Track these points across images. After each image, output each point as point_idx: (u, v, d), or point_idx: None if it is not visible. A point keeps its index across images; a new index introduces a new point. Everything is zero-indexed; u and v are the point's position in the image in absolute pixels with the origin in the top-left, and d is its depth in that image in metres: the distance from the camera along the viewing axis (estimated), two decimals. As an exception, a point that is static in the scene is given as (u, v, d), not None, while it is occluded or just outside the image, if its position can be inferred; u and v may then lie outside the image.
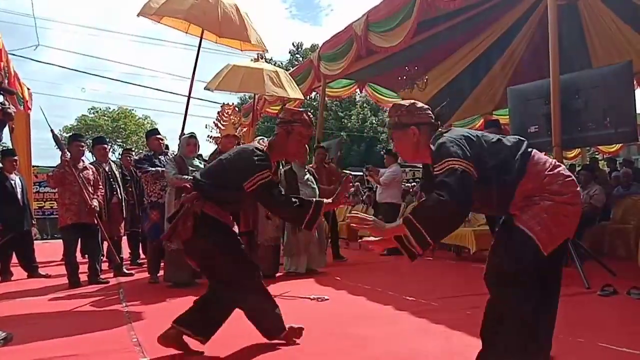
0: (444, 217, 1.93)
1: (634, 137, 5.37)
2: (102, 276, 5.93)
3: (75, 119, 37.07)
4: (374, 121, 29.98)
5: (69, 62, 57.06)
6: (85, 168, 6.00)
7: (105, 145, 6.87)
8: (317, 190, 6.38)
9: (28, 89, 9.38)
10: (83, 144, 6.19)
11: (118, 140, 37.50)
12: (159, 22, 5.60)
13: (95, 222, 5.79)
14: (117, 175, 6.77)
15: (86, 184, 5.79)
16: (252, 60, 6.76)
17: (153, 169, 5.89)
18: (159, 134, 6.50)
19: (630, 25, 7.66)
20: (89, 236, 5.94)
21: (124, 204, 7.06)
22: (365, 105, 29.83)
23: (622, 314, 3.71)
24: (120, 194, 6.62)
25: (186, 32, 6.14)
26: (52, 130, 5.78)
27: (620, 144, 12.08)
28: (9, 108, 4.20)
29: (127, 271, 6.43)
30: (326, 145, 9.43)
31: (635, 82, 7.71)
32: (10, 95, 4.35)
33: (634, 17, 7.39)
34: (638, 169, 10.32)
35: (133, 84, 67.62)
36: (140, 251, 7.97)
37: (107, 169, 6.68)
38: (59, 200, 5.87)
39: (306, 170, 6.38)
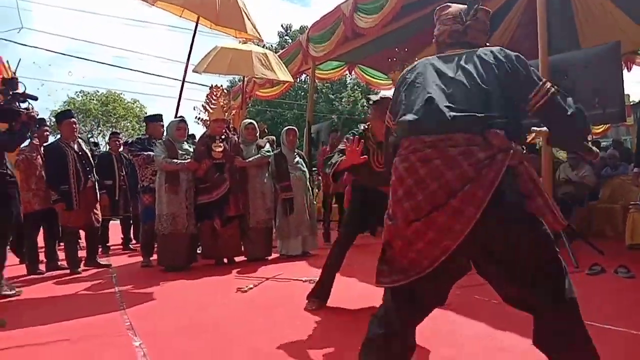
0: None
1: (621, 117, 5.42)
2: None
3: (64, 102, 36.59)
4: (365, 104, 29.89)
5: (56, 45, 56.05)
6: None
7: (74, 119, 5.77)
8: (306, 172, 6.40)
9: (14, 72, 9.22)
10: (76, 121, 5.88)
11: (107, 124, 37.10)
12: (153, 4, 5.53)
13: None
14: (89, 155, 5.80)
15: None
16: (240, 42, 6.70)
17: (145, 152, 5.86)
18: (162, 120, 6.40)
19: (618, 6, 7.67)
20: (52, 222, 5.82)
21: (118, 187, 7.02)
22: (356, 87, 29.75)
23: (608, 292, 3.78)
24: (94, 175, 5.77)
25: (180, 16, 6.09)
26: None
27: (609, 125, 12.15)
28: (32, 112, 4.26)
29: (102, 262, 5.97)
30: (316, 128, 9.46)
31: (623, 63, 7.76)
32: (34, 100, 4.43)
33: (622, -2, 7.39)
34: (627, 149, 10.43)
35: (121, 67, 66.73)
36: (132, 235, 7.98)
37: (76, 147, 5.60)
38: (24, 185, 5.52)
39: (296, 153, 6.38)
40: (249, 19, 5.65)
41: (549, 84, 1.79)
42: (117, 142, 7.68)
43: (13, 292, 4.35)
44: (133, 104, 38.15)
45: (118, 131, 13.00)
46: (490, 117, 1.66)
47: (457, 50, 1.90)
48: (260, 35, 5.98)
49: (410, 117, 1.76)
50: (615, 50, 5.23)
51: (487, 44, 1.98)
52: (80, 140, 5.81)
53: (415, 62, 2.00)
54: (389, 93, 2.71)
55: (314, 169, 9.59)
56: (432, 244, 1.64)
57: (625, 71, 8.74)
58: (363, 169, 3.16)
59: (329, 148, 7.76)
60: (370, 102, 3.28)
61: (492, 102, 1.68)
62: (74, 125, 5.70)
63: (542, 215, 1.68)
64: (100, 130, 37.19)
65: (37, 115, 4.52)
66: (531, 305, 1.72)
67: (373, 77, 10.82)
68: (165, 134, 6.00)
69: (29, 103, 4.38)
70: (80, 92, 36.42)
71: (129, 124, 36.78)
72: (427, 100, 1.73)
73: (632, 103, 17.01)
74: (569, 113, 1.77)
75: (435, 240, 1.63)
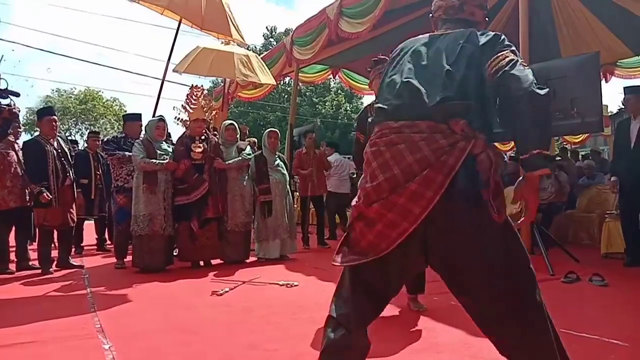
0: None
1: (599, 127, 5.48)
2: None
3: (39, 99, 35.94)
4: (348, 108, 30.01)
5: (35, 41, 55.12)
6: (20, 149, 5.68)
7: (55, 117, 5.70)
8: (286, 175, 6.36)
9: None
10: (56, 118, 5.78)
11: (86, 122, 36.55)
12: (136, 2, 5.45)
13: (29, 205, 5.53)
14: (67, 153, 5.70)
15: (24, 165, 5.54)
16: (222, 43, 6.64)
17: (120, 152, 5.75)
18: (141, 119, 6.27)
19: (598, 17, 7.80)
20: (25, 220, 5.71)
21: (95, 186, 6.92)
22: (339, 91, 29.84)
23: (583, 300, 3.81)
24: (72, 174, 5.67)
25: (162, 14, 6.02)
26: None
27: (587, 134, 12.35)
28: (14, 108, 4.17)
29: (74, 263, 5.83)
30: (299, 131, 9.42)
31: (601, 74, 7.88)
32: (16, 97, 4.35)
33: (602, 9, 7.51)
34: (604, 160, 10.59)
35: (101, 65, 65.84)
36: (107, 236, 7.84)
37: (55, 145, 5.54)
38: None
39: (277, 155, 6.34)
40: (233, 23, 5.61)
41: (511, 55, 1.68)
42: (96, 142, 7.54)
43: None
44: (112, 102, 37.66)
45: (97, 130, 12.79)
46: (454, 105, 1.67)
47: (448, 30, 1.89)
48: (244, 39, 5.94)
49: (380, 104, 1.83)
50: (595, 61, 5.29)
51: (487, 19, 1.98)
52: (59, 138, 5.71)
53: (404, 43, 1.98)
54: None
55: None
56: (390, 227, 1.66)
57: (603, 82, 8.88)
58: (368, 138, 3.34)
59: (304, 150, 7.65)
60: (371, 63, 3.53)
61: (458, 88, 1.68)
62: (54, 123, 5.62)
63: (488, 203, 1.65)
64: (79, 129, 36.63)
65: (19, 111, 4.45)
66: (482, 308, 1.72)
67: (357, 82, 10.84)
68: (144, 133, 5.90)
69: (11, 99, 4.30)
70: (56, 90, 35.79)
71: (107, 122, 36.26)
72: (397, 87, 1.77)
73: (610, 114, 17.35)
74: (522, 87, 1.60)
75: (393, 223, 1.65)
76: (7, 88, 4.31)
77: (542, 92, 1.59)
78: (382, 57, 3.57)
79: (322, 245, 7.50)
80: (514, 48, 1.73)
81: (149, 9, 5.97)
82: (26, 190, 5.49)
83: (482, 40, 1.75)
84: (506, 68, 1.64)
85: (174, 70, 6.54)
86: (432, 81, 1.72)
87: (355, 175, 11.19)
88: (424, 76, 1.75)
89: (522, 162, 1.64)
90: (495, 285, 1.66)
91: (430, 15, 2.06)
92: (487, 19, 1.99)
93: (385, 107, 1.80)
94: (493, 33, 1.78)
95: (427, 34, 1.94)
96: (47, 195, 5.26)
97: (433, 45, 1.84)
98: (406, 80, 1.76)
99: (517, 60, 1.67)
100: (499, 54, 1.68)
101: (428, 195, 1.61)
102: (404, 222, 1.64)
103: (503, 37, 1.76)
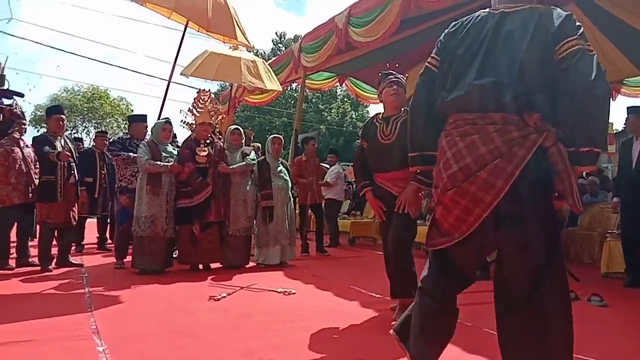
0: None
1: (604, 147, 5.47)
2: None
3: (47, 97, 36.11)
4: (353, 116, 30.03)
5: (44, 38, 55.51)
6: (26, 146, 5.71)
7: (64, 116, 5.80)
8: (289, 182, 6.37)
9: (2, 69, 9.09)
10: (64, 117, 5.88)
11: (93, 120, 36.67)
12: (143, 4, 5.48)
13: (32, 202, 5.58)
14: (73, 152, 5.77)
15: (29, 162, 5.59)
16: (230, 48, 6.67)
17: (125, 153, 5.78)
18: (146, 120, 6.35)
19: (605, 35, 7.79)
20: (29, 217, 5.79)
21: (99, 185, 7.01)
22: (346, 99, 29.86)
23: (581, 321, 3.77)
24: (77, 174, 5.74)
25: (168, 17, 6.07)
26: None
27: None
28: (15, 108, 4.21)
29: (74, 262, 5.85)
30: (303, 137, 9.44)
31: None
32: (20, 97, 4.41)
33: (610, 27, 7.50)
34: (607, 178, 10.55)
35: (110, 64, 66.17)
36: (107, 235, 7.87)
37: (62, 142, 5.67)
38: (3, 179, 5.43)
39: (279, 162, 6.35)
40: (238, 26, 5.64)
41: (579, 43, 1.70)
42: (104, 141, 7.58)
43: None
44: (119, 101, 37.78)
45: (106, 130, 12.85)
46: (529, 99, 1.73)
47: (515, 6, 1.88)
48: (249, 43, 5.97)
49: (454, 94, 1.87)
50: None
51: None
52: (65, 137, 5.80)
53: (468, 18, 2.00)
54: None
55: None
56: (466, 212, 1.78)
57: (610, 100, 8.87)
58: (372, 146, 3.51)
59: (304, 157, 7.70)
60: (380, 74, 3.64)
61: (532, 80, 1.74)
62: (62, 122, 5.75)
63: (565, 197, 1.73)
64: (85, 127, 36.74)
65: (21, 111, 4.49)
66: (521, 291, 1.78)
67: (363, 90, 10.86)
68: (150, 134, 5.93)
69: (14, 99, 4.34)
70: (63, 88, 35.94)
71: (114, 121, 36.37)
72: (469, 77, 1.82)
73: (615, 132, 17.30)
74: (591, 77, 1.64)
75: (468, 208, 1.77)
76: (8, 88, 4.36)
77: (603, 88, 1.64)
78: (390, 72, 3.60)
79: (321, 253, 7.50)
80: (582, 31, 1.74)
81: (155, 11, 6.02)
82: (29, 187, 5.53)
83: (555, 23, 1.75)
84: (573, 60, 1.67)
85: (181, 74, 6.58)
86: (505, 71, 1.76)
87: (350, 185, 11.39)
88: (497, 65, 1.79)
89: (573, 155, 1.69)
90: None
91: None
92: None
93: (458, 98, 1.85)
94: (565, 14, 1.77)
95: (495, 11, 1.93)
96: (66, 153, 5.38)
97: (503, 27, 1.85)
98: (479, 71, 1.82)
99: (584, 50, 1.68)
100: (568, 41, 1.70)
101: (498, 184, 1.71)
102: (476, 209, 1.75)
103: (574, 17, 1.77)
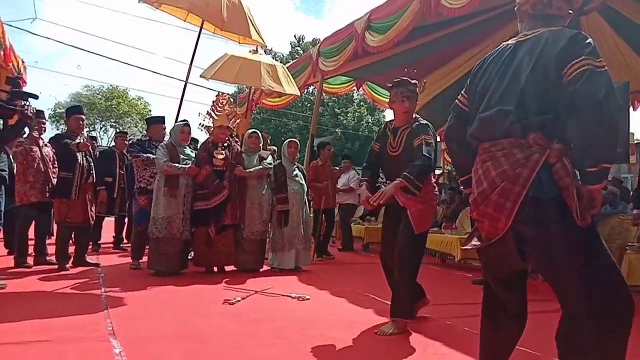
0: (428, 172, 3.30)
1: (626, 157, 5.40)
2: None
3: (69, 95, 36.66)
4: (370, 120, 29.95)
5: (66, 37, 56.34)
6: (45, 145, 5.85)
7: (83, 116, 5.86)
8: (305, 186, 6.37)
9: (23, 61, 9.24)
10: (84, 117, 5.95)
11: (111, 119, 37.13)
12: (158, 8, 5.53)
13: (51, 201, 5.67)
14: (92, 152, 5.89)
15: (47, 161, 5.70)
16: (250, 51, 6.70)
17: (144, 154, 5.83)
18: (165, 122, 6.41)
19: (629, 44, 7.68)
20: (46, 215, 5.86)
21: (118, 185, 7.18)
22: (362, 103, 29.79)
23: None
24: (94, 174, 5.78)
25: (184, 20, 6.12)
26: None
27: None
28: (27, 110, 4.28)
29: (90, 261, 5.89)
30: (318, 141, 9.47)
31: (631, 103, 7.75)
32: (34, 99, 4.48)
33: (633, 36, 7.39)
34: (626, 189, 10.38)
35: (130, 64, 66.89)
36: (124, 235, 7.94)
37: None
38: (21, 177, 5.63)
39: (295, 166, 6.35)
40: (253, 25, 5.66)
41: (587, 64, 1.73)
42: (124, 141, 7.68)
43: None
44: (137, 100, 38.17)
45: (126, 131, 13.00)
46: (531, 122, 1.81)
47: (531, 32, 1.96)
48: (264, 42, 5.98)
49: (471, 128, 2.04)
50: (625, 90, 5.23)
51: (570, 12, 2.01)
52: (84, 137, 5.87)
53: (491, 53, 2.12)
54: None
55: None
56: (489, 234, 1.93)
57: (631, 110, 8.72)
58: (384, 155, 3.61)
59: (320, 162, 7.75)
60: (389, 86, 3.64)
61: (534, 103, 1.82)
62: (81, 122, 5.83)
63: (572, 211, 1.74)
64: (103, 125, 37.20)
65: (34, 112, 4.54)
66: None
67: (380, 95, 10.81)
68: (168, 136, 5.98)
69: (27, 101, 4.39)
70: (86, 86, 36.47)
71: (131, 120, 36.77)
72: (485, 110, 1.95)
73: (636, 142, 17.02)
74: (597, 97, 1.66)
75: (489, 229, 1.93)
76: (21, 90, 4.42)
77: (612, 105, 1.66)
78: (404, 78, 3.59)
79: (326, 256, 7.52)
80: (591, 48, 1.76)
81: (170, 14, 6.05)
82: (47, 186, 5.61)
83: (559, 45, 1.80)
84: (578, 84, 1.70)
85: (201, 76, 6.63)
86: (512, 99, 1.86)
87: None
88: (503, 95, 1.90)
89: (582, 174, 1.73)
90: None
91: (516, 8, 2.11)
92: (570, 11, 2.02)
93: (474, 131, 2.02)
94: (570, 35, 1.81)
95: (514, 41, 2.02)
96: (86, 142, 5.48)
97: (515, 58, 1.94)
98: (487, 103, 1.95)
99: (592, 69, 1.71)
100: (574, 63, 1.74)
101: (508, 206, 1.81)
102: (496, 230, 1.88)
103: (580, 37, 1.80)
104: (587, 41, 1.78)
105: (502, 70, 1.96)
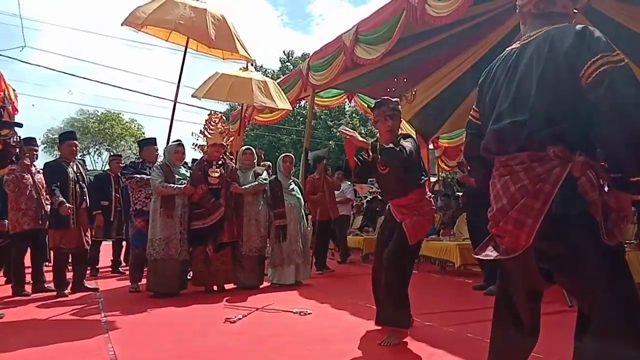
0: (398, 157, 3.16)
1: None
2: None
3: (62, 121, 36.70)
4: (363, 131, 29.99)
5: (56, 64, 56.50)
6: (37, 172, 5.82)
7: (76, 142, 5.83)
8: (302, 200, 6.37)
9: (14, 89, 9.24)
10: (77, 143, 5.92)
11: (104, 143, 37.14)
12: (140, 30, 5.55)
13: (45, 228, 5.62)
14: (85, 177, 5.84)
15: (40, 188, 5.67)
16: (240, 69, 6.74)
17: (138, 175, 5.83)
18: (157, 144, 6.42)
19: (615, 45, 7.75)
20: (40, 242, 5.81)
21: (114, 209, 7.08)
22: (354, 115, 29.91)
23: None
24: (88, 198, 5.73)
25: (167, 40, 6.14)
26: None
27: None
28: (9, 139, 4.26)
29: (89, 286, 5.84)
30: (313, 155, 9.53)
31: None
32: (19, 127, 4.46)
33: (617, 38, 7.45)
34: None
35: (121, 87, 67.05)
36: (122, 259, 7.89)
37: (74, 168, 5.68)
38: (13, 205, 5.57)
39: (291, 180, 6.36)
40: (238, 40, 5.69)
41: (607, 57, 1.59)
42: (118, 164, 7.66)
43: None
44: (131, 123, 38.26)
45: (120, 154, 13.00)
46: (548, 133, 1.70)
47: (534, 33, 1.86)
48: (250, 56, 6.01)
49: (484, 141, 1.96)
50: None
51: (575, 11, 1.93)
52: (77, 163, 5.84)
53: (496, 59, 2.03)
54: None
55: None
56: (509, 250, 1.82)
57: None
58: (375, 174, 3.60)
59: (317, 175, 7.83)
60: (371, 108, 3.62)
61: (550, 113, 1.70)
62: (74, 148, 5.78)
63: (599, 227, 1.65)
64: (97, 149, 37.20)
65: (17, 141, 4.52)
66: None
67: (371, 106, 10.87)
68: (162, 157, 5.98)
69: (13, 130, 4.39)
70: (79, 110, 36.55)
71: (125, 143, 36.82)
72: (496, 122, 1.86)
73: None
74: (626, 101, 1.51)
75: (509, 246, 1.82)
76: (3, 119, 4.41)
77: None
78: (385, 98, 3.58)
79: (325, 270, 7.51)
80: (604, 43, 1.64)
81: (151, 35, 6.05)
82: (39, 213, 5.59)
83: (567, 42, 1.68)
84: (601, 89, 1.58)
85: (192, 96, 6.64)
86: (524, 108, 1.75)
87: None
88: (517, 103, 1.79)
89: (620, 182, 1.62)
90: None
91: (517, 10, 2.03)
92: (575, 10, 1.93)
93: (486, 145, 1.94)
94: (576, 30, 1.70)
95: (517, 45, 1.93)
96: (68, 206, 5.31)
97: (522, 59, 1.84)
98: (497, 114, 1.86)
99: (611, 68, 1.58)
100: (589, 65, 1.62)
101: (529, 223, 1.71)
102: (517, 246, 1.77)
103: (588, 32, 1.68)
104: (597, 35, 1.66)
105: (509, 76, 1.86)
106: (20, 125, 4.47)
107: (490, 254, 1.93)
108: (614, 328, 1.61)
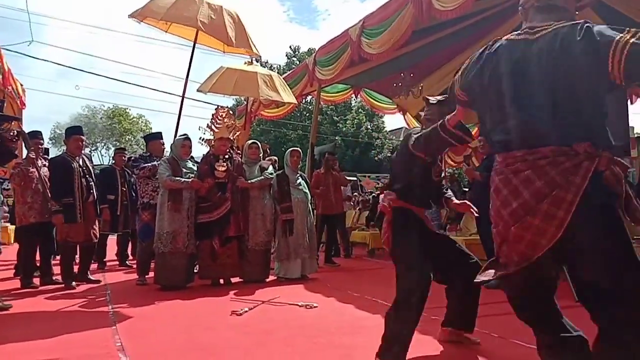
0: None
1: (626, 151, 5.40)
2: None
3: (69, 116, 36.90)
4: (369, 126, 29.94)
5: (64, 59, 56.71)
6: (44, 165, 5.85)
7: (83, 137, 5.84)
8: (308, 194, 6.37)
9: (21, 84, 9.30)
10: (84, 137, 5.92)
11: (112, 138, 37.30)
12: (142, 21, 5.53)
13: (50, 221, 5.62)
14: (92, 171, 5.83)
15: (46, 182, 5.70)
16: (245, 63, 6.74)
17: (149, 164, 5.87)
18: (162, 138, 6.46)
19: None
20: (48, 236, 5.85)
21: (120, 202, 7.15)
22: (360, 110, 29.81)
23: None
24: (95, 192, 5.75)
25: (166, 32, 6.11)
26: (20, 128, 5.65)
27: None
28: (6, 133, 4.29)
29: (93, 278, 5.93)
30: (320, 150, 9.55)
31: (627, 96, 7.75)
32: (17, 121, 4.49)
33: (625, 26, 7.41)
34: (630, 183, 10.35)
35: (128, 82, 67.19)
36: (129, 252, 7.94)
37: (80, 162, 5.67)
38: (20, 198, 5.67)
39: (298, 174, 6.37)
40: (250, 39, 5.70)
41: (624, 37, 1.61)
42: (122, 157, 7.69)
43: (0, 305, 4.32)
44: (138, 118, 38.39)
45: (124, 147, 13.00)
46: (574, 130, 1.74)
47: (539, 26, 1.86)
48: (258, 52, 6.00)
49: (498, 137, 1.94)
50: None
51: (577, 13, 1.95)
52: (84, 157, 5.85)
53: (497, 45, 1.97)
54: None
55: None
56: (531, 246, 1.81)
57: (629, 103, 8.72)
58: (419, 180, 2.91)
59: (323, 170, 7.87)
60: (431, 102, 2.94)
61: (573, 108, 1.74)
62: (80, 142, 5.78)
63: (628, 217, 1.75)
64: (105, 143, 37.38)
65: (15, 135, 4.53)
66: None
67: (378, 101, 10.84)
68: (169, 151, 6.01)
69: (15, 123, 4.42)
70: (86, 106, 36.71)
71: (132, 138, 36.96)
72: (508, 116, 1.86)
73: (636, 135, 16.99)
74: None
75: (532, 242, 1.80)
76: (3, 113, 4.45)
77: None
78: (444, 100, 2.95)
79: (331, 264, 7.51)
80: (611, 30, 1.67)
81: (152, 26, 6.01)
82: (46, 206, 5.62)
83: (579, 42, 1.69)
84: (630, 48, 1.58)
85: (198, 90, 6.65)
86: (545, 103, 1.77)
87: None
88: (534, 97, 1.80)
89: None
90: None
91: (520, 8, 2.03)
92: (577, 12, 1.95)
93: (502, 141, 1.91)
94: (582, 28, 1.71)
95: (520, 36, 1.91)
96: (61, 217, 5.36)
97: (532, 53, 1.82)
98: (517, 107, 1.84)
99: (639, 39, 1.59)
100: (615, 49, 1.61)
101: (560, 215, 1.73)
102: (542, 240, 1.77)
103: (594, 27, 1.70)
104: (601, 25, 1.70)
105: (521, 71, 1.84)
106: (18, 118, 4.51)
107: (491, 272, 1.97)
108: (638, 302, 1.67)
